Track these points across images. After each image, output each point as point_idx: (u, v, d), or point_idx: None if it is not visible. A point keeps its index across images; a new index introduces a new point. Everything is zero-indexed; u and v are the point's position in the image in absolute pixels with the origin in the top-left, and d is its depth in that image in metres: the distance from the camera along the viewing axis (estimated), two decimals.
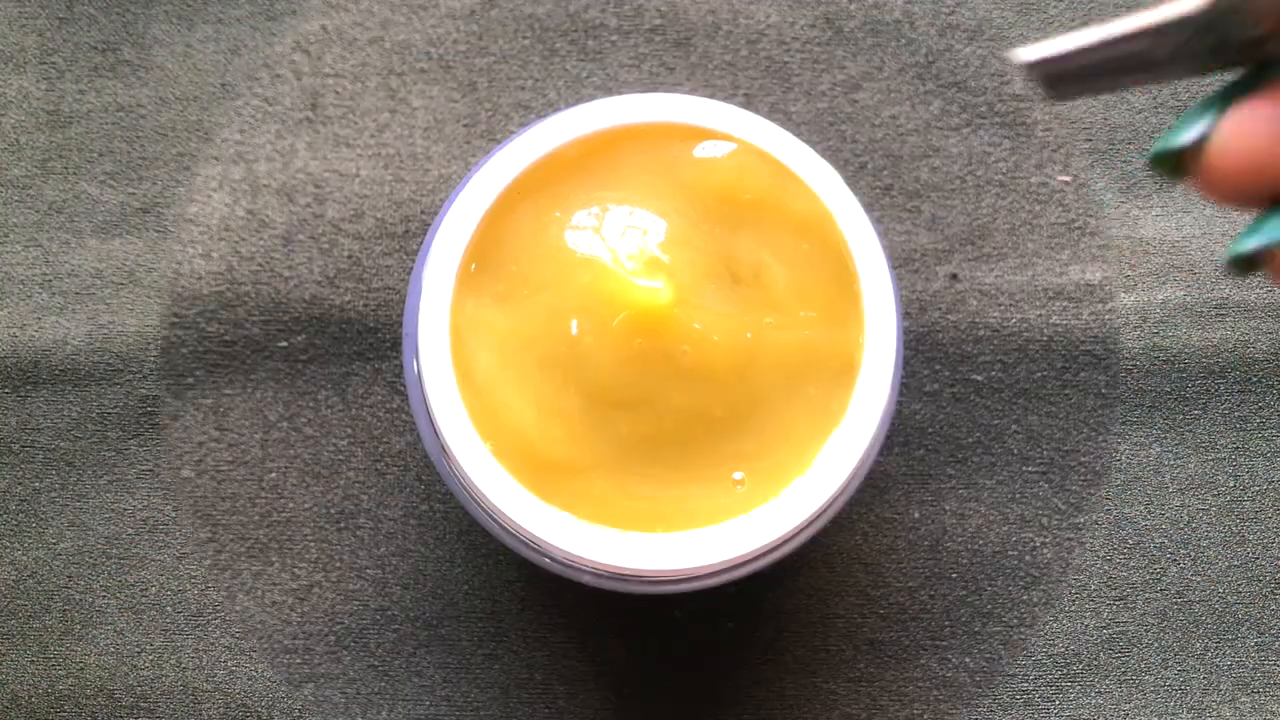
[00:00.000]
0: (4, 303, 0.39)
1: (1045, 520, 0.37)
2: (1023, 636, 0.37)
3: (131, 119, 0.40)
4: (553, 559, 0.29)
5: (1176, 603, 0.39)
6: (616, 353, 0.28)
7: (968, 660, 0.37)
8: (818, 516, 0.29)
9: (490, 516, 0.29)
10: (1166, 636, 0.39)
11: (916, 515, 0.37)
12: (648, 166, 0.29)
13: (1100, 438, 0.37)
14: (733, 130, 0.29)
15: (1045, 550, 0.37)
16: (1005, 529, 0.37)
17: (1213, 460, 0.39)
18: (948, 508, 0.37)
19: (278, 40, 0.40)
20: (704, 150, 0.29)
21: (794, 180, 0.29)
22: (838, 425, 0.28)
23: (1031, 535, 0.37)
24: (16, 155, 0.40)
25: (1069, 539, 0.37)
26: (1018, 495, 0.37)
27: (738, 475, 0.28)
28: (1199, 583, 0.39)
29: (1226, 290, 0.39)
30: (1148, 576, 0.39)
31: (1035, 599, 0.37)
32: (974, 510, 0.37)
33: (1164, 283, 0.39)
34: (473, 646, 0.37)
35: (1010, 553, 0.37)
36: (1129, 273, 0.38)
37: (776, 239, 0.29)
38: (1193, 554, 0.39)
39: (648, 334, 0.28)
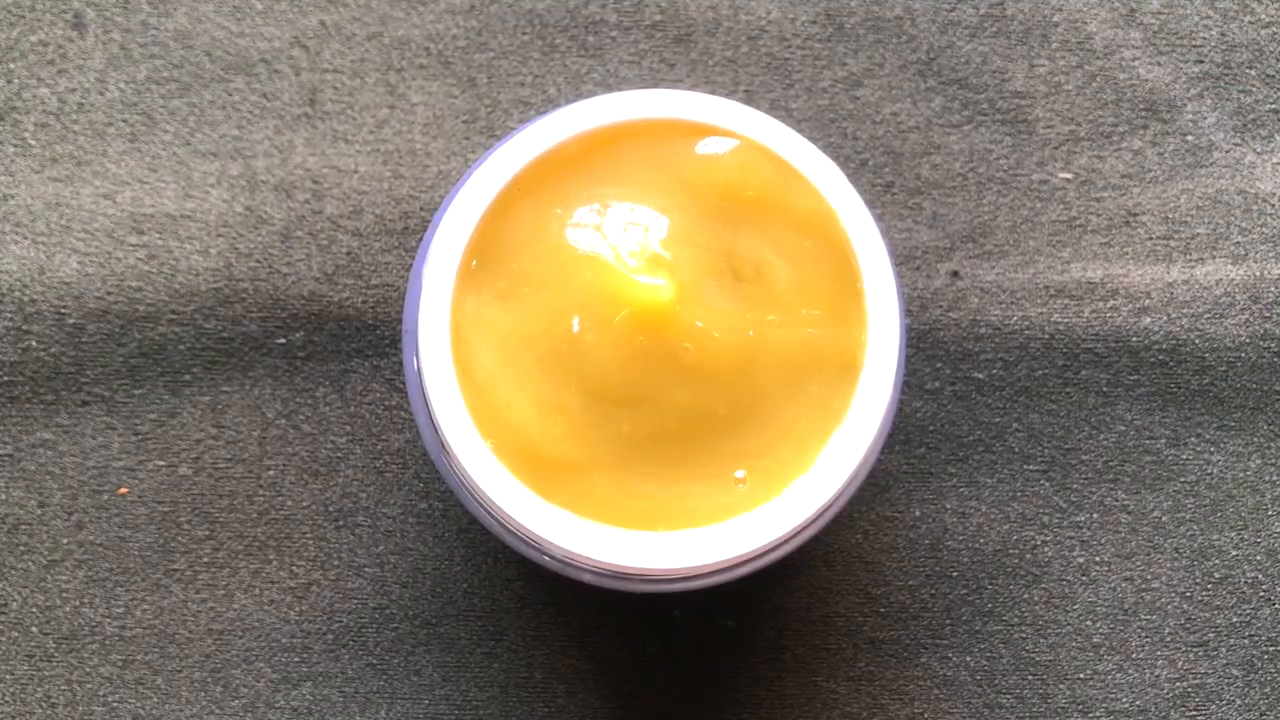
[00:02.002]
0: None
1: (1046, 519, 0.37)
2: (1024, 635, 0.37)
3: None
4: (553, 557, 0.29)
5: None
6: (618, 350, 0.28)
7: (968, 659, 0.36)
8: (819, 515, 0.29)
9: (490, 514, 0.29)
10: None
11: (917, 514, 0.37)
12: (649, 163, 0.29)
13: (1102, 435, 0.37)
14: (735, 126, 0.29)
15: (1046, 549, 0.37)
16: (1006, 527, 0.37)
17: None
18: (948, 506, 0.37)
19: (276, 35, 0.39)
20: (706, 147, 0.29)
21: (796, 177, 0.29)
22: (840, 424, 0.28)
23: (1033, 534, 0.37)
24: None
25: (1070, 537, 0.37)
26: (1019, 494, 0.37)
27: (739, 474, 0.28)
28: None
29: None
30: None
31: (1036, 598, 0.37)
32: (975, 509, 0.37)
33: None
34: (471, 645, 0.36)
35: (1011, 551, 0.37)
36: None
37: (779, 236, 0.29)
38: None
39: (649, 331, 0.28)
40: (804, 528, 0.29)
